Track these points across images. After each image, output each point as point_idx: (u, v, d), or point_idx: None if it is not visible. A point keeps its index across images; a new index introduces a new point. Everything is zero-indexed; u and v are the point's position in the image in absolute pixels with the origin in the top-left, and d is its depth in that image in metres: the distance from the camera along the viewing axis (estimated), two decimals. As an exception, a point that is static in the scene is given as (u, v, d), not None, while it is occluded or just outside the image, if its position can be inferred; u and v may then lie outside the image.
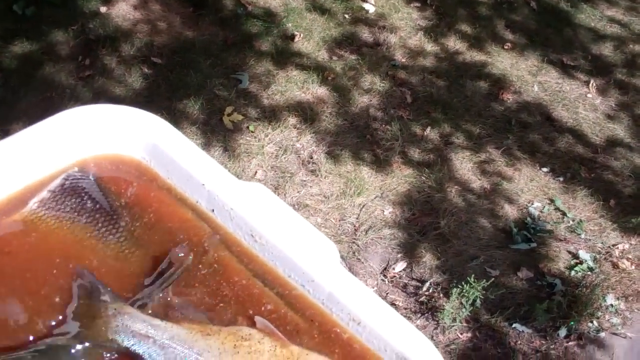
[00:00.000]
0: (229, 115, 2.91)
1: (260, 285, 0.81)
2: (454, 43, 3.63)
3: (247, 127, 2.89)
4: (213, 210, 0.87)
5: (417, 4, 3.84)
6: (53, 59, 3.05)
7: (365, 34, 3.55)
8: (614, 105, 3.46)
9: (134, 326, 0.70)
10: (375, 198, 2.74)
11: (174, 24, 3.34)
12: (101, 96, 2.89)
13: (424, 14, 3.79)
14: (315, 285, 0.79)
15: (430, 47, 3.55)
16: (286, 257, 0.81)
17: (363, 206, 2.70)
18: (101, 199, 0.88)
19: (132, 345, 0.68)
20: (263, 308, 0.78)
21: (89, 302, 0.71)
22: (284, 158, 2.80)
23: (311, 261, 0.80)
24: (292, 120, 2.98)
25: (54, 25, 3.16)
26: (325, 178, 2.76)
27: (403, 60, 3.43)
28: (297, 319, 0.77)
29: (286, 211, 0.85)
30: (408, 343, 0.74)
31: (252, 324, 0.74)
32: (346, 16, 3.63)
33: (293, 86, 3.13)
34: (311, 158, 2.83)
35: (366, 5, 3.70)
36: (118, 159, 0.92)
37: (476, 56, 3.57)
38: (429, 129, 3.07)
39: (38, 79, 2.93)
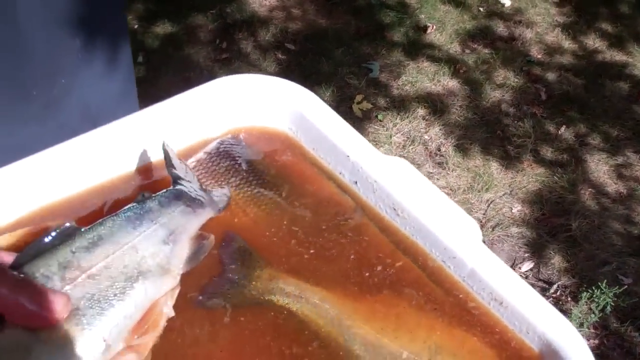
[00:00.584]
0: (358, 103, 2.92)
1: (403, 257, 0.80)
2: (593, 41, 3.50)
3: (376, 116, 2.90)
4: (356, 183, 0.87)
5: (556, 0, 3.72)
6: (192, 41, 3.16)
7: (500, 28, 3.48)
8: None
9: (287, 288, 0.71)
10: (503, 195, 2.68)
11: (308, 12, 3.39)
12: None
13: (563, 10, 3.67)
14: (457, 261, 0.78)
15: (567, 44, 3.44)
16: (428, 232, 0.80)
17: (491, 202, 2.65)
18: (253, 164, 0.91)
19: (287, 304, 0.70)
20: (406, 278, 0.78)
21: (242, 266, 0.74)
22: (412, 149, 2.79)
23: (453, 238, 0.79)
24: (421, 111, 2.95)
25: (194, 9, 3.28)
26: (452, 171, 2.72)
27: (539, 56, 3.34)
28: (438, 291, 0.77)
29: (429, 187, 0.84)
30: (551, 326, 0.72)
31: (397, 294, 0.75)
32: (481, 9, 3.56)
33: (424, 77, 3.10)
34: (439, 150, 2.80)
35: (502, -1, 3.63)
36: (267, 129, 0.94)
37: (616, 56, 3.42)
38: (563, 128, 2.98)
39: (177, 59, 3.05)
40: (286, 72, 3.04)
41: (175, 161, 0.76)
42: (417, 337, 0.69)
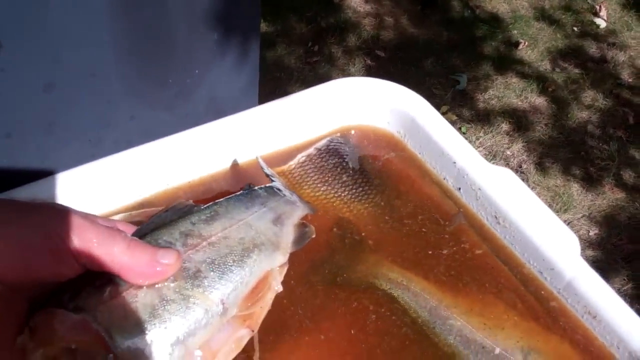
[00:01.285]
0: (443, 114, 2.94)
1: (500, 263, 0.84)
2: (687, 69, 3.43)
3: (460, 128, 2.91)
4: (459, 189, 0.91)
5: (653, 24, 3.67)
6: (285, 42, 3.24)
7: (593, 49, 3.44)
8: None
9: (391, 275, 0.77)
10: (582, 217, 2.67)
11: (400, 21, 3.43)
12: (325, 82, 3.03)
13: (659, 35, 3.61)
14: (554, 273, 0.81)
15: (661, 70, 3.39)
16: (527, 242, 0.84)
17: (568, 223, 2.64)
18: (360, 163, 0.96)
19: (389, 289, 0.75)
20: (503, 284, 0.81)
21: (350, 250, 0.79)
22: (493, 164, 2.79)
23: (552, 249, 0.82)
24: (505, 126, 2.96)
25: (290, 11, 3.35)
26: (532, 189, 2.72)
27: (630, 80, 3.30)
28: (533, 300, 0.80)
29: (531, 198, 0.87)
30: (643, 342, 0.75)
31: (495, 296, 0.78)
32: (575, 29, 3.54)
33: (511, 93, 3.10)
34: (520, 167, 2.80)
35: (597, 20, 3.59)
36: (375, 130, 0.99)
37: None
38: (649, 154, 2.94)
39: (270, 60, 3.13)
40: (375, 77, 3.07)
41: (269, 171, 0.83)
42: (512, 336, 0.73)
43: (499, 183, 0.88)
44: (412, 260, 0.81)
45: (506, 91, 3.12)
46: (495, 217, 0.87)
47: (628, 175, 2.84)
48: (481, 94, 3.09)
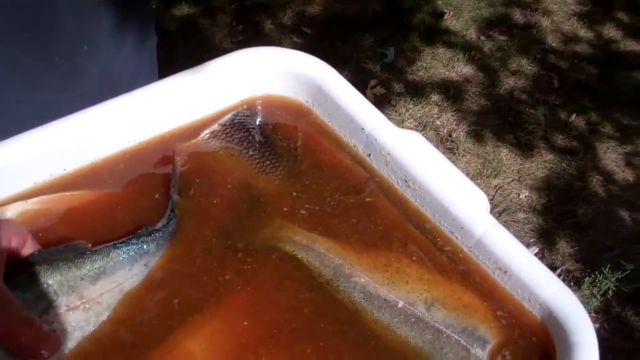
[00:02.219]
0: (372, 88, 2.94)
1: (411, 227, 0.84)
2: (608, 31, 3.50)
3: (389, 101, 2.92)
4: (369, 155, 0.90)
5: (573, -11, 3.73)
6: (209, 23, 3.19)
7: (517, 16, 3.49)
8: None
9: (295, 237, 0.76)
10: (512, 181, 2.71)
11: (325, -4, 3.41)
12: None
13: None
14: (464, 232, 0.81)
15: (583, 33, 3.45)
16: (437, 203, 0.83)
17: (499, 188, 2.67)
18: (267, 135, 0.94)
19: (293, 251, 0.75)
20: (413, 243, 0.81)
21: (254, 212, 0.79)
22: (423, 134, 2.81)
23: (461, 209, 0.82)
24: (434, 97, 2.98)
25: (212, -9, 3.31)
26: (462, 157, 2.75)
27: (553, 44, 3.35)
28: (444, 258, 0.80)
29: (440, 160, 0.87)
30: (553, 294, 0.75)
31: (402, 252, 0.78)
32: (498, -3, 3.58)
33: (438, 63, 3.12)
34: (450, 136, 2.83)
35: (519, -13, 3.64)
36: (283, 100, 0.98)
37: (630, 45, 3.43)
38: (574, 115, 3.00)
39: (194, 42, 3.08)
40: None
41: (174, 202, 0.81)
42: (415, 290, 0.73)
43: (408, 147, 0.88)
44: (317, 223, 0.81)
45: (433, 62, 3.13)
46: (405, 180, 0.87)
47: (555, 138, 2.90)
48: (409, 66, 3.10)
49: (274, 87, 0.98)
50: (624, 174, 2.80)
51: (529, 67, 3.17)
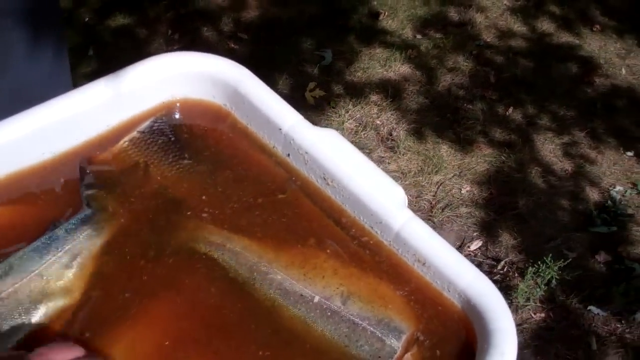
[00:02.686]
0: (311, 91, 2.95)
1: (332, 223, 0.84)
2: (541, 24, 3.57)
3: (329, 103, 2.93)
4: (289, 155, 0.90)
5: (506, -15, 3.80)
6: (144, 33, 3.16)
7: (451, 13, 3.53)
8: None
9: (211, 237, 0.76)
10: (453, 176, 2.74)
11: (262, 1, 3.41)
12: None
13: (512, -5, 3.75)
14: (383, 226, 0.82)
15: (517, 27, 3.51)
16: (356, 199, 0.84)
17: (440, 184, 2.70)
18: (186, 141, 0.93)
19: (209, 251, 0.75)
20: (332, 240, 0.82)
21: (170, 214, 0.78)
22: (363, 134, 2.83)
23: (379, 204, 0.83)
24: (374, 97, 3.00)
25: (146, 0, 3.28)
26: (403, 155, 2.77)
27: (488, 40, 3.41)
28: (363, 253, 0.81)
29: (357, 156, 0.88)
30: (470, 283, 0.76)
31: (319, 249, 0.79)
32: (432, -5, 3.62)
33: (375, 64, 3.15)
34: (390, 135, 2.85)
35: (453, -15, 3.68)
36: (201, 104, 0.97)
37: (563, 37, 3.51)
38: (511, 109, 3.05)
39: (129, 52, 3.05)
40: (238, 61, 3.04)
41: (89, 179, 0.81)
42: (331, 284, 0.74)
43: (326, 145, 0.88)
44: (235, 223, 0.81)
45: (371, 62, 3.16)
46: (324, 178, 0.87)
47: (493, 132, 2.94)
48: (347, 67, 3.12)
49: (191, 91, 0.97)
50: (562, 164, 2.85)
51: (465, 64, 3.22)
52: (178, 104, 0.97)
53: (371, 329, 0.72)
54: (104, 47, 3.06)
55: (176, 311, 0.73)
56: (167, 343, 0.71)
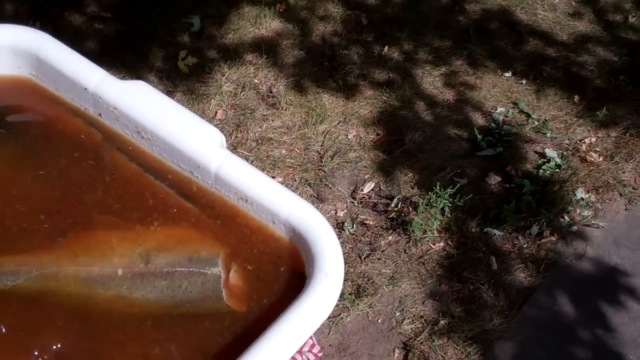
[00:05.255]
0: (183, 59, 2.88)
1: (152, 179, 0.81)
2: (406, -40, 3.58)
3: (204, 69, 2.87)
4: (100, 114, 0.87)
5: None
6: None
7: (314, -38, 3.50)
8: (573, 2, 3.42)
9: None
10: (338, 124, 2.74)
11: (119, -23, 3.29)
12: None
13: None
14: (202, 170, 0.79)
15: (382, -33, 3.51)
16: (172, 148, 0.81)
17: (326, 133, 2.69)
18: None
19: None
20: (153, 201, 0.78)
21: None
22: (243, 95, 2.79)
23: (195, 148, 0.80)
24: (248, 57, 2.95)
25: (-4, -8, 3.12)
26: (286, 110, 2.75)
27: (355, -16, 3.39)
28: (186, 204, 0.78)
29: (169, 104, 0.84)
30: (291, 211, 0.75)
31: (147, 222, 0.75)
32: (294, -53, 3.57)
33: (245, 23, 3.09)
34: (270, 92, 2.82)
35: None
36: (7, 79, 0.92)
37: (429, -30, 3.52)
38: (386, 48, 3.05)
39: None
40: (105, 41, 2.95)
41: None
42: (125, 252, 0.70)
43: (134, 98, 0.85)
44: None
45: (241, 22, 3.10)
46: (138, 132, 0.84)
47: (372, 73, 2.94)
48: (217, 30, 3.06)
49: (-6, 65, 0.91)
50: (443, 95, 2.88)
51: (336, 10, 3.20)
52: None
53: (186, 269, 0.69)
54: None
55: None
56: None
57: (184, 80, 2.81)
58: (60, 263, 0.70)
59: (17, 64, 0.92)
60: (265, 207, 0.76)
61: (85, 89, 0.85)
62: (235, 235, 0.76)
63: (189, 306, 0.68)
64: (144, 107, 0.83)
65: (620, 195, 2.61)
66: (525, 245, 2.41)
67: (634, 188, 2.63)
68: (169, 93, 2.71)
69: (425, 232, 2.36)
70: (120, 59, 2.83)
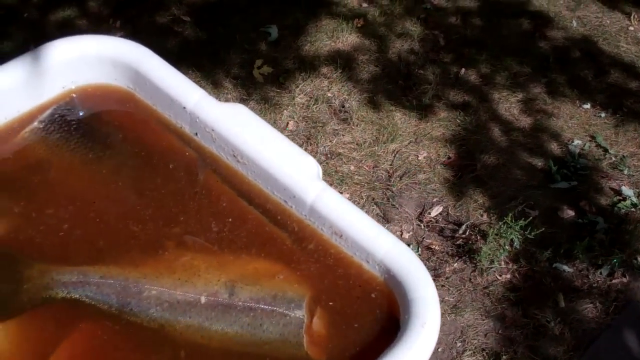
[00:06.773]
0: (258, 68, 2.89)
1: (245, 204, 0.80)
2: (488, -18, 3.53)
3: (278, 79, 2.87)
4: (196, 134, 0.86)
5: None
6: (85, 22, 3.08)
7: (396, -21, 3.48)
8: (658, 36, 3.32)
9: (64, 278, 0.69)
10: (409, 144, 2.70)
11: (201, -19, 3.33)
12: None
13: (457, -45, 3.69)
14: (297, 201, 0.78)
15: (463, -13, 3.46)
16: (268, 175, 0.80)
17: (397, 152, 2.66)
18: (90, 127, 0.88)
19: (67, 293, 0.67)
20: (245, 227, 0.77)
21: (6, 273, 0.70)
22: (315, 108, 2.78)
23: (292, 178, 0.78)
24: (323, 70, 2.94)
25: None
26: (357, 126, 2.73)
27: (435, 2, 3.35)
28: (278, 233, 0.76)
29: (267, 130, 0.83)
30: (388, 252, 0.72)
31: (180, 247, 0.74)
32: (376, -38, 3.56)
33: (322, 35, 3.09)
34: (343, 107, 2.80)
35: (396, -50, 3.62)
36: (103, 89, 0.92)
37: (512, -6, 3.47)
38: (463, 70, 3.01)
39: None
40: (183, 44, 2.98)
41: None
42: (210, 279, 0.68)
43: (232, 120, 0.84)
44: (85, 252, 0.73)
45: (318, 34, 3.10)
46: (234, 155, 0.82)
47: (447, 95, 2.90)
48: (294, 41, 3.06)
49: (91, 76, 0.92)
50: (518, 122, 2.82)
51: (414, 28, 3.17)
52: (79, 90, 0.92)
53: (269, 307, 0.67)
54: (44, 41, 2.97)
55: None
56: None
57: (258, 88, 2.82)
58: (145, 281, 0.68)
59: (115, 76, 0.92)
60: (361, 244, 0.73)
61: (184, 107, 0.85)
62: (326, 270, 0.74)
63: (267, 347, 0.65)
64: (242, 131, 0.82)
65: (698, 240, 2.51)
66: (595, 285, 2.33)
67: None
68: (243, 101, 2.72)
69: (492, 262, 2.31)
70: (196, 63, 2.86)
